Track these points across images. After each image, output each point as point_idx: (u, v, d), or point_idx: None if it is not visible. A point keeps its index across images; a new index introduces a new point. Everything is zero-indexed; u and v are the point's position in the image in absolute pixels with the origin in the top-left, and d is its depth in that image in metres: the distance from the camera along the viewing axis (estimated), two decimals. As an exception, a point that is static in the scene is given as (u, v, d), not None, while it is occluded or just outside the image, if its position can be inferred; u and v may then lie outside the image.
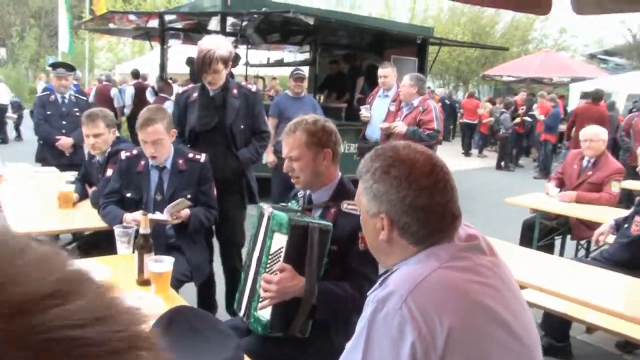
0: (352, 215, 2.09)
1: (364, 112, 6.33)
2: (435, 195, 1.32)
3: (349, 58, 10.03)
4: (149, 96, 10.89)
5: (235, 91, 3.52)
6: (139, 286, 2.32)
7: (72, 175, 3.97)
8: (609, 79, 13.87)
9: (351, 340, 1.30)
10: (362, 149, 6.51)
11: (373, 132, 6.30)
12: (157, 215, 2.91)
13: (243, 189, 3.69)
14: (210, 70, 3.36)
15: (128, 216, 2.97)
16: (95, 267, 2.30)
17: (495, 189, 10.27)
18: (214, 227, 3.63)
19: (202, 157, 3.22)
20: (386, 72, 6.17)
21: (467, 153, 15.48)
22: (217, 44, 3.37)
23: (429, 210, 1.32)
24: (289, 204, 2.39)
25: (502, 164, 13.46)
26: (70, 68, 5.60)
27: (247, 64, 10.44)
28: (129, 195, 3.16)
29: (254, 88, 3.65)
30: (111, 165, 3.50)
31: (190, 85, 3.68)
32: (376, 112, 6.25)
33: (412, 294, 1.21)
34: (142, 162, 3.17)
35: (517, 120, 13.50)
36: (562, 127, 12.32)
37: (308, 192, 2.31)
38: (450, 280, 1.27)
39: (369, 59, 9.98)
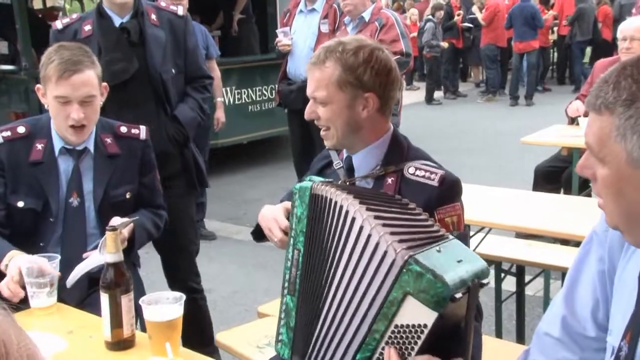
0: (420, 185, 1.45)
1: (282, 38, 4.35)
2: None
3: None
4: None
5: (153, 16, 2.39)
6: (113, 352, 1.44)
7: None
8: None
9: None
10: (285, 94, 4.56)
11: (298, 67, 4.26)
12: (123, 220, 1.81)
13: (190, 167, 2.56)
14: None
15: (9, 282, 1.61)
16: (45, 341, 1.36)
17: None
18: None
19: (142, 132, 2.11)
20: (310, -25, 4.31)
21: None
22: None
23: None
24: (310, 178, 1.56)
25: (435, 96, 9.32)
26: None
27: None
28: (21, 204, 1.92)
29: (180, 11, 2.47)
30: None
31: (74, 15, 2.45)
32: (300, 38, 4.30)
33: None
34: (39, 146, 1.94)
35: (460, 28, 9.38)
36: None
37: (345, 154, 1.60)
38: None
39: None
